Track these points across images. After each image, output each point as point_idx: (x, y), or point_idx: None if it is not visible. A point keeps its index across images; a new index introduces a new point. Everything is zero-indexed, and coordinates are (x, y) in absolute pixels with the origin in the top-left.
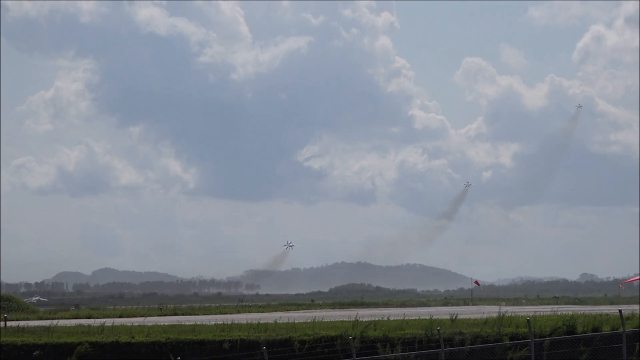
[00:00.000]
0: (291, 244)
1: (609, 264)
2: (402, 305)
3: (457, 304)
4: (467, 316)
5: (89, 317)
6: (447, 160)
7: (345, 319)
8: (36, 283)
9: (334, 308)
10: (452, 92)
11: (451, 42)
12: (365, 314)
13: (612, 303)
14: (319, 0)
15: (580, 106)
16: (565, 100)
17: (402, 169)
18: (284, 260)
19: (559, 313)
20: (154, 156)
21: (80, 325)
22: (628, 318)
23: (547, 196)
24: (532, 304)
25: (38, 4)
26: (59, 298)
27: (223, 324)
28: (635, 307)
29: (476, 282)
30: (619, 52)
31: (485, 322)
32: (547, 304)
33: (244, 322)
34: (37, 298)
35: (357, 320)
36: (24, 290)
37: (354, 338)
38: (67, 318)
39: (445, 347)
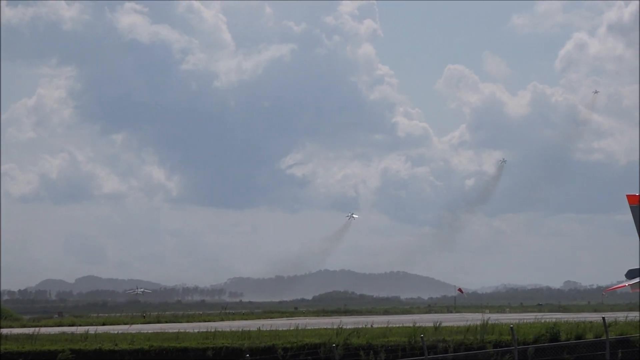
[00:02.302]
0: (354, 215)
1: (592, 271)
2: (386, 312)
3: (441, 312)
4: (451, 324)
5: (73, 325)
6: (430, 168)
7: (328, 327)
8: (20, 291)
9: (317, 316)
10: (435, 99)
11: (434, 49)
12: (349, 322)
13: (595, 310)
14: (302, 2)
15: (597, 92)
16: (547, 108)
17: (385, 176)
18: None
19: (543, 321)
20: (137, 164)
21: (64, 333)
22: (611, 325)
23: (530, 204)
24: (516, 312)
25: (20, 12)
26: (42, 306)
27: (207, 332)
28: (618, 314)
29: (460, 290)
30: (602, 59)
31: (469, 329)
32: (531, 311)
33: (228, 329)
34: (142, 290)
35: (341, 328)
36: (6, 297)
37: (337, 345)
38: (50, 326)
39: (428, 355)
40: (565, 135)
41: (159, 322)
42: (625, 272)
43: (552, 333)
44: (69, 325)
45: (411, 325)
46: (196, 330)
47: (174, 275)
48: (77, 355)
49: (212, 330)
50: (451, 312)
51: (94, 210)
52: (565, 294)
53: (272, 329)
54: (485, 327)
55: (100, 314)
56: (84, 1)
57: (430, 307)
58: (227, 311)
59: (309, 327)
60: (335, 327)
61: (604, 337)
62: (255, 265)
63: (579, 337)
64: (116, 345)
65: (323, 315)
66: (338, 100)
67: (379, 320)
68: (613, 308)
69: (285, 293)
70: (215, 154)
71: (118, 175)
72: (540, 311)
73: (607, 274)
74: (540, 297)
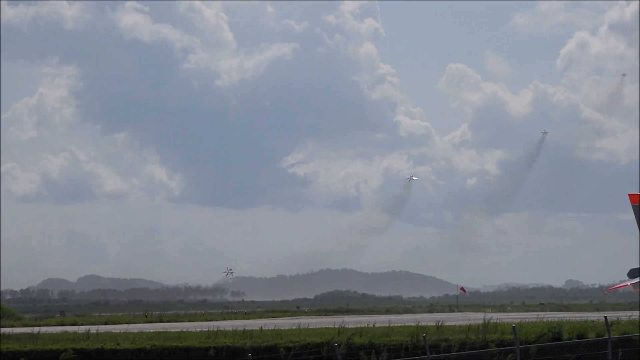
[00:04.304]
0: (414, 177)
1: (594, 270)
2: (388, 312)
3: (443, 311)
4: (453, 323)
5: (75, 324)
6: (432, 167)
7: (330, 326)
8: (21, 290)
9: (319, 315)
10: (436, 98)
11: (435, 48)
12: (351, 321)
13: (597, 310)
14: (303, 2)
15: (625, 75)
16: (549, 107)
17: (387, 175)
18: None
19: (545, 320)
20: (139, 163)
21: (66, 332)
22: (613, 324)
23: (531, 203)
24: (518, 311)
25: (21, 11)
26: (44, 305)
27: (209, 331)
28: (620, 313)
29: (462, 289)
30: (603, 59)
31: (471, 329)
32: (533, 310)
33: (230, 329)
34: (231, 270)
35: (343, 327)
36: (8, 297)
37: (339, 345)
38: (52, 325)
39: (431, 354)
40: (569, 134)
41: (160, 321)
42: (627, 271)
43: (554, 332)
44: (71, 325)
45: (413, 324)
46: (198, 330)
47: (176, 274)
48: (79, 355)
49: (214, 329)
50: (453, 311)
51: (96, 210)
52: (567, 293)
53: (274, 328)
54: (487, 326)
55: (102, 313)
56: (85, 0)
57: (432, 307)
58: (229, 310)
59: (311, 327)
60: (337, 326)
61: (606, 337)
62: (258, 264)
63: (581, 337)
64: (118, 344)
65: (325, 315)
66: (340, 100)
67: (381, 320)
68: (615, 307)
69: (288, 292)
70: (217, 153)
71: (120, 174)
72: (542, 310)
73: (609, 273)
74: (542, 296)
